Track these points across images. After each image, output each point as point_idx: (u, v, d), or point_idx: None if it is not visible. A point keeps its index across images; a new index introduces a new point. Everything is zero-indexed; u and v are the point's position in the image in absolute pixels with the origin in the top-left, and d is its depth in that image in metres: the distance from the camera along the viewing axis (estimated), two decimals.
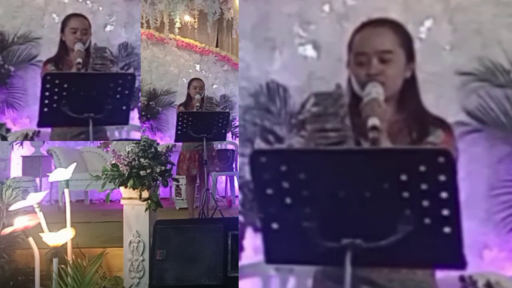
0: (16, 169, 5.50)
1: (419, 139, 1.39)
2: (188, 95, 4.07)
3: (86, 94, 2.03)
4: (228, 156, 5.75)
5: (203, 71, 7.20)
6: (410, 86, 1.44)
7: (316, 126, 1.25)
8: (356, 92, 1.40)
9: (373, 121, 1.23)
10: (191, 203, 4.19)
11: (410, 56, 1.44)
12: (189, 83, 4.11)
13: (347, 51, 1.46)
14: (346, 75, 1.49)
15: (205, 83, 4.15)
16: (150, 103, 6.71)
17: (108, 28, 5.45)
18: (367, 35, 1.42)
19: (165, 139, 6.50)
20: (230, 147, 6.16)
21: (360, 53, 1.41)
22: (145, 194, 2.71)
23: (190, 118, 3.57)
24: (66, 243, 2.51)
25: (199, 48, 7.23)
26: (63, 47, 2.43)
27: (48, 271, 2.52)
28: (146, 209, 2.72)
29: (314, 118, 1.27)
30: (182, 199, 4.86)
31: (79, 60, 2.19)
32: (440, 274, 1.40)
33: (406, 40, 1.43)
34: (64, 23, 2.42)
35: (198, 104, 3.81)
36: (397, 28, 1.44)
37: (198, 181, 4.21)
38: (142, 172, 2.66)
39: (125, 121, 2.20)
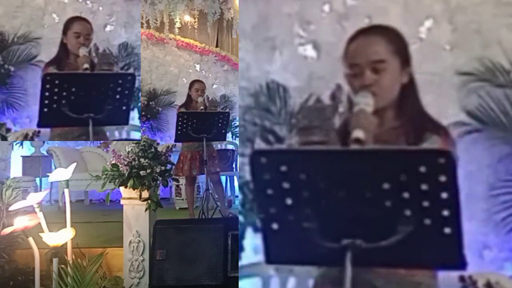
0: (16, 169, 5.50)
1: (414, 145, 1.35)
2: (189, 96, 4.05)
3: (86, 94, 2.03)
4: (228, 156, 5.74)
5: (203, 71, 7.19)
6: (408, 91, 1.41)
7: (303, 138, 1.29)
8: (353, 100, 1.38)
9: (357, 133, 1.21)
10: (191, 204, 4.19)
11: (405, 61, 1.40)
12: (191, 85, 4.09)
13: (342, 60, 1.43)
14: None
15: (205, 83, 4.14)
16: (150, 103, 6.71)
17: (108, 28, 5.44)
18: (359, 45, 1.40)
19: (165, 139, 6.50)
20: (230, 147, 6.16)
21: (353, 64, 1.39)
22: (145, 194, 2.71)
23: (190, 118, 3.57)
24: (66, 243, 2.51)
25: (199, 48, 7.23)
26: (64, 50, 2.40)
27: (48, 271, 2.53)
28: (146, 209, 2.72)
29: (301, 131, 1.30)
30: (182, 199, 4.86)
31: (86, 65, 2.14)
32: (440, 274, 1.40)
33: (399, 46, 1.40)
34: (67, 26, 2.37)
35: (202, 107, 3.80)
36: (389, 35, 1.40)
37: (198, 181, 4.20)
38: (142, 172, 2.66)
39: (125, 121, 2.20)
